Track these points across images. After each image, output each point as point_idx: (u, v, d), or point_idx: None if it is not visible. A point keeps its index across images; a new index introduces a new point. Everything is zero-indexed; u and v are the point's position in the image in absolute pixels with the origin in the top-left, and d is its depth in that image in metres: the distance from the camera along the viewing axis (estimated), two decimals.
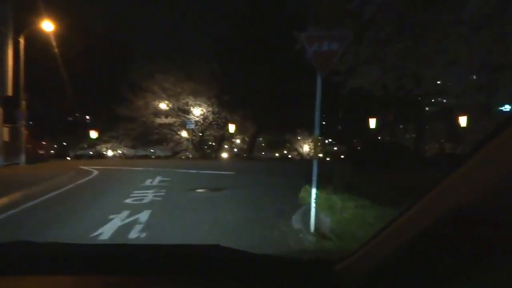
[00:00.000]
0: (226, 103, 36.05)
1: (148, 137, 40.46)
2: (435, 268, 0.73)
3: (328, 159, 35.45)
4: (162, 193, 10.74)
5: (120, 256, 1.17)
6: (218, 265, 1.10)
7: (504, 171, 0.58)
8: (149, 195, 10.29)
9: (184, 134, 39.63)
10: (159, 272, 1.10)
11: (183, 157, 37.86)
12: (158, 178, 14.46)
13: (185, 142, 39.77)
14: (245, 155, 38.93)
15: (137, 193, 10.69)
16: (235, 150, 42.20)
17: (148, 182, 13.49)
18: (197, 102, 36.82)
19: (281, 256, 1.17)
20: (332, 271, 0.98)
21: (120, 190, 11.48)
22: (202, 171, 18.38)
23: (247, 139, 40.69)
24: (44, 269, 1.13)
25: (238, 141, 42.87)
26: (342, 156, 37.97)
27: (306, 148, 44.73)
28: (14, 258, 1.15)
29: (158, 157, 40.45)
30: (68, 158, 38.15)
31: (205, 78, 35.24)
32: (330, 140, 45.32)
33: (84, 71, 36.33)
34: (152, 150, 41.39)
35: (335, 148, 49.61)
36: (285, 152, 45.84)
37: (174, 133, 39.46)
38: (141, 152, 42.84)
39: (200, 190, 11.60)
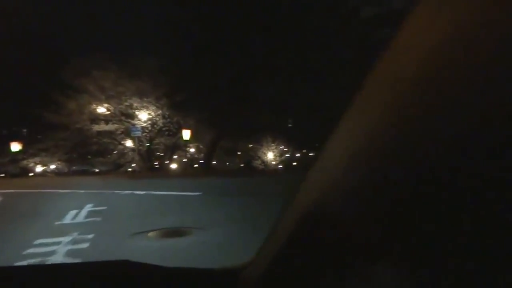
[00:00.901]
0: (179, 104, 30.39)
1: (86, 148, 34.01)
2: (307, 269, 0.75)
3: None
4: (85, 245, 5.49)
5: (25, 278, 1.10)
6: (127, 281, 1.07)
7: (339, 169, 0.60)
8: (60, 251, 5.16)
9: (129, 143, 33.51)
10: None
11: (129, 170, 31.71)
12: (87, 208, 9.48)
13: (130, 152, 33.63)
14: (201, 166, 33.35)
15: (41, 244, 5.53)
16: (187, 160, 36.29)
17: (70, 216, 8.58)
18: (144, 105, 30.89)
19: (190, 268, 1.11)
20: (238, 279, 0.99)
21: (15, 236, 6.09)
22: (154, 192, 12.90)
23: (202, 147, 35.06)
24: None
25: (192, 149, 37.02)
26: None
27: (270, 155, 39.80)
28: None
29: (98, 173, 33.88)
30: None
31: (153, 74, 29.51)
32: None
33: None
34: (88, 164, 34.71)
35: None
36: (248, 161, 40.60)
37: (116, 142, 33.25)
38: (78, 167, 36.09)
39: (152, 235, 6.41)
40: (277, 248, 0.81)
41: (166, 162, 36.96)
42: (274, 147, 39.51)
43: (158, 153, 37.52)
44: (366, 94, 0.54)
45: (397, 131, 0.46)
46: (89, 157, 34.59)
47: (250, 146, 40.63)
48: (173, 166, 36.03)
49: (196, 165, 35.65)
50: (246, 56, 29.17)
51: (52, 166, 35.14)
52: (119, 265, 1.12)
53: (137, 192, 12.98)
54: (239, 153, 39.26)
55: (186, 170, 32.74)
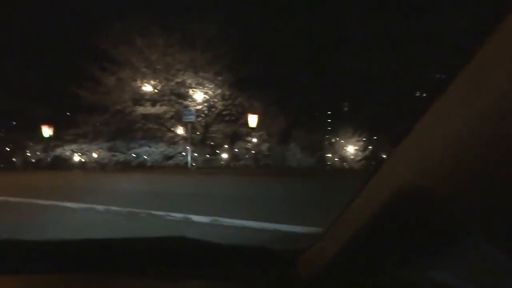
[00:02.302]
0: (243, 82, 23.66)
1: (128, 135, 28.07)
2: (388, 253, 0.75)
3: None
4: None
5: (81, 252, 1.10)
6: (183, 256, 1.07)
7: (440, 144, 0.58)
8: None
9: (180, 130, 27.22)
10: (122, 267, 1.06)
11: (185, 163, 25.41)
12: None
13: (181, 142, 27.33)
14: (270, 161, 26.48)
15: None
16: (251, 153, 29.24)
17: None
18: (200, 81, 24.32)
19: (248, 246, 1.10)
20: (297, 262, 0.98)
21: None
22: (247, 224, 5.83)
23: (267, 137, 28.01)
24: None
25: (254, 140, 29.83)
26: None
27: (350, 150, 32.40)
28: None
29: (144, 167, 27.76)
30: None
31: (211, 43, 22.93)
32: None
33: (27, 39, 23.93)
34: (133, 154, 28.56)
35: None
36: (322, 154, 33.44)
37: (165, 128, 27.00)
38: (120, 156, 30.12)
39: None
40: (351, 232, 0.77)
41: (222, 154, 30.47)
42: (355, 139, 32.14)
43: (211, 143, 31.19)
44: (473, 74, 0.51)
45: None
46: (134, 146, 28.47)
47: (326, 137, 33.48)
48: (225, 157, 29.29)
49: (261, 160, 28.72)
50: (332, 22, 21.90)
51: (94, 155, 29.43)
52: (176, 241, 1.11)
53: (204, 220, 6.13)
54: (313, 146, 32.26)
55: (250, 166, 25.91)
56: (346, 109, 29.61)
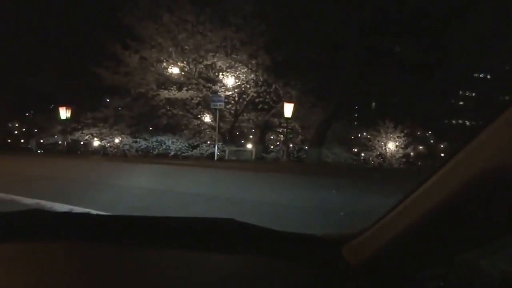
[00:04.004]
0: (281, 66, 21.10)
1: (152, 121, 25.97)
2: (453, 241, 0.73)
3: None
4: None
5: (131, 227, 1.17)
6: (231, 238, 1.11)
7: None
8: None
9: (207, 118, 24.92)
10: (173, 244, 1.10)
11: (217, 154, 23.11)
12: None
13: (208, 130, 25.03)
14: (305, 156, 23.88)
15: None
16: (284, 146, 26.58)
17: None
18: (232, 64, 21.85)
19: (294, 232, 1.12)
20: (344, 248, 1.00)
21: None
22: None
23: (301, 130, 25.38)
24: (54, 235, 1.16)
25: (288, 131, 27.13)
26: None
27: (390, 146, 29.52)
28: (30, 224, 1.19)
29: (162, 155, 25.52)
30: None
31: (246, 21, 20.43)
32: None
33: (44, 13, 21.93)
34: (156, 142, 26.28)
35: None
36: (357, 151, 30.63)
37: (191, 115, 24.73)
38: (142, 143, 27.93)
39: None
40: (410, 220, 0.76)
41: (252, 146, 28.13)
42: (397, 135, 29.26)
43: (240, 133, 28.84)
44: None
45: None
46: (157, 133, 26.28)
47: (364, 134, 30.69)
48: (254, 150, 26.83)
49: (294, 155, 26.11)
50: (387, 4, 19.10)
51: (116, 140, 27.45)
52: (225, 223, 1.13)
53: None
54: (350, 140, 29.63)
55: (281, 160, 23.44)
56: (391, 102, 26.65)
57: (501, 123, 0.61)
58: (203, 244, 1.08)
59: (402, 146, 29.44)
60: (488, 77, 27.37)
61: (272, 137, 28.13)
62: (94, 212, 4.46)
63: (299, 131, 25.53)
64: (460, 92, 30.01)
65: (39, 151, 29.18)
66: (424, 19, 19.44)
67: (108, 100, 25.37)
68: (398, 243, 0.81)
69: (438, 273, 0.80)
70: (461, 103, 30.72)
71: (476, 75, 27.22)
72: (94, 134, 27.04)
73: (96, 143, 28.30)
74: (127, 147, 26.57)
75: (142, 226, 1.16)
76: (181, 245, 1.08)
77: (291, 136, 25.35)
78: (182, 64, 22.50)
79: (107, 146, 27.35)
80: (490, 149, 0.62)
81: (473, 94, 30.83)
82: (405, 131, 28.72)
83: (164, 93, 22.56)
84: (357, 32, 19.58)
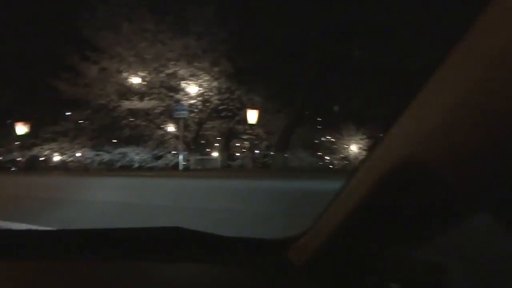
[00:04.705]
0: (244, 73, 21.22)
1: (114, 133, 25.44)
2: (383, 234, 0.75)
3: None
4: None
5: (71, 242, 1.15)
6: (178, 247, 1.10)
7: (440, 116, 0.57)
8: None
9: (171, 127, 24.66)
10: (118, 256, 1.08)
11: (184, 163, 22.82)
12: None
13: (172, 140, 24.76)
14: (272, 160, 23.95)
15: None
16: (249, 151, 26.59)
17: None
18: (194, 73, 21.77)
19: (242, 237, 1.12)
20: (290, 250, 0.99)
21: None
22: None
23: (265, 136, 25.52)
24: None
25: (252, 137, 27.30)
26: None
27: (353, 148, 30.07)
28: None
29: (126, 167, 24.97)
30: None
31: (207, 28, 20.44)
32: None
33: None
34: (119, 154, 25.75)
35: None
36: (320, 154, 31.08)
37: (154, 125, 24.41)
38: (105, 156, 27.27)
39: None
40: (341, 218, 0.78)
41: (217, 154, 28.02)
42: (359, 137, 29.83)
43: (205, 141, 28.65)
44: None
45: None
46: (120, 145, 25.77)
47: (328, 137, 31.13)
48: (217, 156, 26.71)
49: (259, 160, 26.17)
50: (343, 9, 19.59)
51: (78, 154, 26.75)
52: (171, 231, 1.12)
53: None
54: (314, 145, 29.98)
55: (247, 167, 23.46)
56: (346, 106, 27.18)
57: (406, 117, 0.63)
58: (150, 254, 1.06)
59: (365, 148, 30.05)
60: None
61: (237, 144, 28.13)
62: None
63: (264, 137, 25.66)
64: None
65: None
66: (381, 24, 20.00)
67: (68, 113, 24.71)
68: (335, 241, 0.82)
69: (375, 268, 0.81)
70: None
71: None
72: (55, 149, 26.32)
73: (56, 158, 27.54)
74: (89, 161, 25.97)
75: (86, 240, 1.14)
76: (127, 256, 1.07)
77: (256, 142, 25.45)
78: (143, 74, 22.25)
79: (68, 160, 26.68)
80: (400, 142, 0.64)
81: None
82: (366, 134, 29.34)
83: (126, 104, 22.24)
84: (318, 38, 19.97)
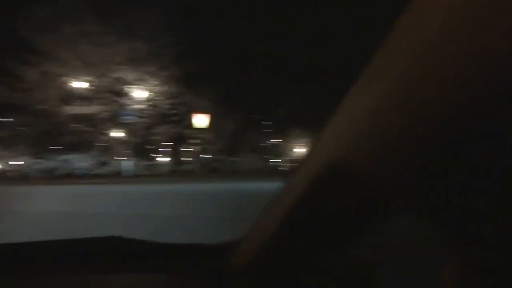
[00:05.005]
0: (193, 77, 21.18)
1: (56, 139, 24.41)
2: (319, 234, 0.73)
3: None
4: None
5: (6, 255, 1.05)
6: (116, 257, 1.04)
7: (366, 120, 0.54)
8: None
9: (117, 133, 24.06)
10: (53, 269, 1.00)
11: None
12: None
13: (117, 146, 24.14)
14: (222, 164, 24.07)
15: None
16: (198, 156, 26.52)
17: None
18: (141, 77, 21.45)
19: (180, 243, 1.06)
20: (230, 254, 0.93)
21: None
22: None
23: (214, 140, 25.60)
24: None
25: (202, 141, 27.30)
26: None
27: (299, 151, 30.81)
28: None
29: (68, 175, 24.02)
30: None
31: (155, 32, 20.29)
32: None
33: None
34: (61, 160, 24.74)
35: None
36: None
37: (99, 131, 23.73)
38: (46, 163, 26.11)
39: None
40: (279, 220, 0.75)
41: (166, 158, 27.70)
42: (303, 140, 30.62)
43: (153, 147, 28.24)
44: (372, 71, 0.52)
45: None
46: (62, 152, 24.80)
47: (274, 140, 31.71)
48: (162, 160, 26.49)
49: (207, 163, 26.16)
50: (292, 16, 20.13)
51: (17, 162, 25.45)
52: (108, 241, 1.07)
53: None
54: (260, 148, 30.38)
55: (196, 171, 23.43)
56: (288, 110, 27.86)
57: (336, 118, 0.62)
58: (84, 266, 1.01)
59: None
60: None
61: (186, 149, 27.96)
62: None
63: (213, 141, 25.70)
64: None
65: None
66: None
67: (6, 119, 23.48)
68: (273, 244, 0.80)
69: (313, 268, 0.80)
70: None
71: None
72: None
73: None
74: (29, 169, 24.81)
75: (19, 253, 1.06)
76: (62, 269, 1.00)
77: (205, 146, 25.45)
78: (87, 78, 21.61)
79: (6, 169, 25.34)
80: (331, 144, 0.63)
81: None
82: (310, 136, 30.10)
83: (69, 109, 21.51)
84: (265, 42, 20.36)
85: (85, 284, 0.97)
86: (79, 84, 21.78)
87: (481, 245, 0.53)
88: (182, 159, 26.98)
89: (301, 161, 0.69)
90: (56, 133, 23.50)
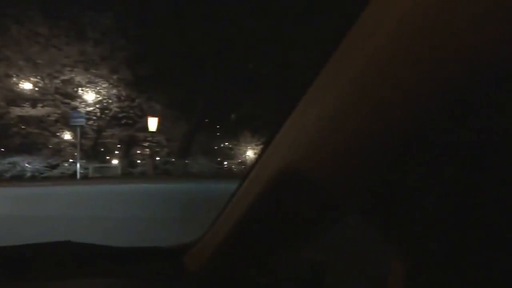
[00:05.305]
0: (144, 81, 21.20)
1: (4, 140, 23.73)
2: (268, 239, 0.77)
3: None
4: None
5: None
6: (69, 262, 1.04)
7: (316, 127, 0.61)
8: None
9: (67, 136, 23.72)
10: (4, 274, 0.99)
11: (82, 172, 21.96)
12: None
13: (69, 148, 23.80)
14: (174, 166, 24.16)
15: None
16: (151, 159, 26.54)
17: None
18: (91, 80, 21.28)
19: (135, 247, 1.09)
20: (185, 257, 1.00)
21: None
22: None
23: (165, 143, 25.69)
24: None
25: (153, 144, 27.25)
26: None
27: (250, 154, 31.28)
28: None
29: (17, 178, 23.38)
30: None
31: (106, 35, 20.15)
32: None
33: None
34: (9, 162, 24.10)
35: None
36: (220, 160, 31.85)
37: (49, 133, 23.32)
38: None
39: None
40: (232, 222, 0.80)
41: (117, 161, 27.46)
42: (255, 143, 31.13)
43: (104, 149, 27.88)
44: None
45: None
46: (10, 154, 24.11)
47: (226, 143, 32.03)
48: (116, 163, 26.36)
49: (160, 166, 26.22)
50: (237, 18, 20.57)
51: None
52: (61, 246, 1.07)
53: None
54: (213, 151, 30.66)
55: (148, 173, 23.45)
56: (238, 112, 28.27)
57: (288, 125, 0.68)
58: (36, 272, 1.01)
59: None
60: None
61: (138, 152, 27.84)
62: None
63: (165, 144, 25.76)
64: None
65: None
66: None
67: None
68: (228, 246, 0.84)
69: (267, 269, 0.85)
70: None
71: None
72: None
73: None
74: None
75: None
76: (12, 276, 1.00)
77: (157, 149, 25.49)
78: (35, 79, 21.20)
79: None
80: (282, 149, 0.68)
81: None
82: (261, 139, 30.61)
83: (16, 111, 21.02)
84: (216, 46, 20.66)
85: None
86: (27, 85, 21.30)
87: (426, 244, 0.60)
88: (134, 161, 26.88)
89: (254, 165, 0.75)
90: (2, 135, 22.90)
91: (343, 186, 0.59)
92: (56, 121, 22.53)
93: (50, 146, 23.79)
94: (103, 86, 21.66)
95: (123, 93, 21.94)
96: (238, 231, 0.80)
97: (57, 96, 21.42)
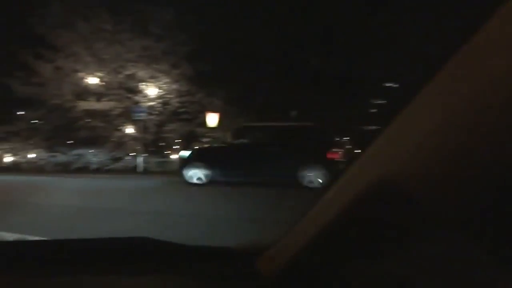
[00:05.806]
0: (204, 76, 21.10)
1: (70, 133, 24.66)
2: (353, 249, 0.76)
3: None
4: None
5: (39, 252, 1.11)
6: (145, 257, 1.07)
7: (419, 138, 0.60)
8: None
9: (130, 129, 24.18)
10: (87, 269, 1.03)
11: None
12: None
13: (131, 142, 24.26)
14: None
15: None
16: None
17: None
18: (153, 75, 21.47)
19: (209, 246, 1.11)
20: (258, 259, 0.98)
21: None
22: None
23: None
24: None
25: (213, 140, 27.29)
26: None
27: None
28: None
29: (82, 169, 24.11)
30: None
31: (168, 30, 20.24)
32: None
33: None
34: (76, 155, 24.98)
35: None
36: None
37: (112, 127, 23.87)
38: (60, 157, 26.36)
39: None
40: (319, 228, 0.78)
41: (175, 156, 27.71)
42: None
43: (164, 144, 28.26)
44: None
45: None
46: (77, 146, 25.00)
47: None
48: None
49: None
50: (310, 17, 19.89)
51: (32, 155, 25.79)
52: (138, 241, 1.11)
53: None
54: None
55: None
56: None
57: (383, 139, 0.66)
58: (116, 266, 1.03)
59: None
60: (397, 85, 29.28)
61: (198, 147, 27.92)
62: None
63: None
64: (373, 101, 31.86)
65: None
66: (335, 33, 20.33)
67: (21, 112, 23.86)
68: (306, 254, 0.82)
69: (344, 281, 0.81)
70: (374, 110, 32.71)
71: (387, 84, 29.01)
72: (6, 150, 25.38)
73: (8, 159, 26.50)
74: (43, 162, 25.10)
75: (53, 251, 1.09)
76: (92, 269, 1.02)
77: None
78: (101, 74, 21.70)
79: (21, 161, 25.73)
80: (376, 162, 0.66)
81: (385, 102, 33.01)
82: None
83: (83, 104, 21.62)
84: (278, 43, 20.15)
85: (121, 286, 0.97)
86: (93, 80, 21.87)
87: None
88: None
89: (339, 176, 0.74)
90: (69, 128, 23.69)
91: (437, 201, 0.58)
92: (119, 115, 22.96)
93: (113, 140, 24.34)
94: (164, 81, 21.81)
95: (184, 88, 21.96)
96: (319, 241, 0.78)
97: (121, 91, 21.81)
